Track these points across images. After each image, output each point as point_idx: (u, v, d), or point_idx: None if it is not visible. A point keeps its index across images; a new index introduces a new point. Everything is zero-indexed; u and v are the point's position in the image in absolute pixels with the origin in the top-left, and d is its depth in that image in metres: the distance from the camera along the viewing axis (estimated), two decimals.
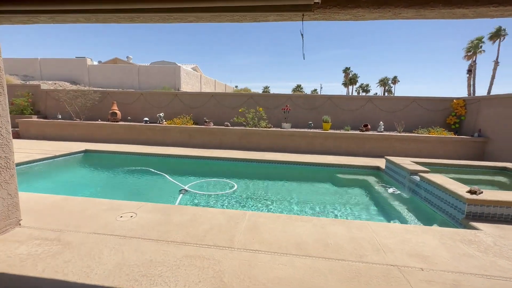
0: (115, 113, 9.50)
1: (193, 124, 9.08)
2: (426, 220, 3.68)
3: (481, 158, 7.24)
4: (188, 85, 20.77)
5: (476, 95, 31.50)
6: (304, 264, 2.15)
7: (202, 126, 8.65)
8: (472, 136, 7.48)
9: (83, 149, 7.28)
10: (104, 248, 2.30)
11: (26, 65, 20.04)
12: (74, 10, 1.97)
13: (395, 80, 60.91)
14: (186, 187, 4.81)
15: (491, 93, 33.50)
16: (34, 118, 9.81)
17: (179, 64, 21.20)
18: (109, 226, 2.71)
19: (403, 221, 3.69)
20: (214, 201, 4.32)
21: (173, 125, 8.68)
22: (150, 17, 2.05)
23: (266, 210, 4.07)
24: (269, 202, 4.37)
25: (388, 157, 5.70)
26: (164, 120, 9.28)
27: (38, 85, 11.16)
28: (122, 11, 1.95)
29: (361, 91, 65.17)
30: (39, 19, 2.16)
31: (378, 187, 5.15)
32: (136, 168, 6.14)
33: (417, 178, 4.48)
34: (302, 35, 1.91)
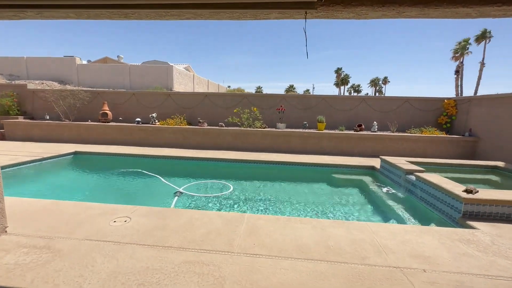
0: (106, 114, 9.27)
1: (187, 124, 8.94)
2: (423, 219, 3.70)
3: (472, 157, 7.39)
4: (181, 85, 20.52)
5: (464, 95, 32.36)
6: (306, 268, 2.10)
7: (196, 127, 8.52)
8: (463, 135, 7.63)
9: (72, 150, 7.05)
10: (97, 255, 2.20)
11: (12, 64, 19.36)
12: (64, 5, 1.86)
13: (385, 80, 61.95)
14: (181, 189, 4.71)
15: (478, 93, 34.48)
16: (21, 119, 9.46)
17: (171, 64, 20.92)
18: (102, 232, 2.60)
19: (401, 221, 3.70)
20: (211, 203, 4.24)
21: (166, 126, 8.53)
22: (146, 14, 1.96)
23: (264, 212, 4.01)
24: (266, 204, 4.32)
25: (383, 157, 5.73)
26: (157, 121, 9.11)
27: (25, 84, 10.78)
28: (115, 7, 1.85)
29: (352, 91, 65.98)
30: (26, 14, 2.04)
31: (374, 187, 5.16)
32: (128, 170, 5.98)
33: (412, 177, 4.51)
34: (305, 33, 1.86)
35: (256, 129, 8.28)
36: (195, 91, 23.07)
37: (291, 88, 60.22)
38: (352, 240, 2.58)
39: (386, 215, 4.00)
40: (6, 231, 2.53)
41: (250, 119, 8.71)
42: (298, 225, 2.89)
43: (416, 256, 2.32)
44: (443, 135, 7.74)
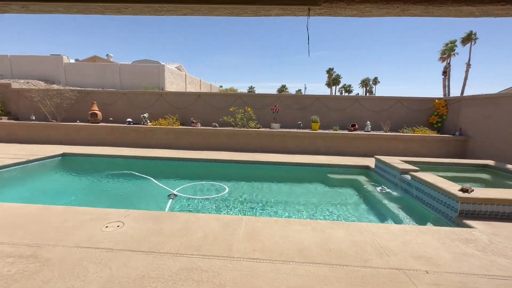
0: (96, 114, 9.00)
1: (180, 125, 8.78)
2: (420, 219, 3.72)
3: (463, 156, 7.54)
4: (173, 84, 20.22)
5: (451, 95, 33.23)
6: (308, 272, 2.05)
7: (189, 127, 8.38)
8: (453, 134, 7.78)
9: (60, 152, 6.79)
10: (89, 264, 2.08)
11: None
12: None
13: (375, 81, 63.01)
14: (175, 192, 4.59)
15: (464, 93, 35.49)
16: (4, 120, 9.06)
17: (163, 63, 20.59)
18: (94, 239, 2.47)
19: (399, 221, 3.70)
20: (206, 206, 4.14)
21: (158, 126, 8.35)
22: (140, 9, 1.86)
23: (261, 213, 3.95)
24: (263, 205, 4.25)
25: (377, 157, 5.76)
26: (148, 121, 8.91)
27: (9, 83, 10.35)
28: (108, 1, 1.75)
29: (343, 91, 66.80)
30: (10, 7, 1.90)
31: (370, 187, 5.18)
32: (120, 172, 5.80)
33: (408, 177, 4.54)
34: (308, 30, 1.80)
35: (250, 129, 8.21)
36: (187, 90, 22.79)
37: (283, 88, 60.46)
38: (352, 242, 2.54)
39: (383, 215, 4.00)
40: None
41: (244, 119, 8.63)
42: (298, 227, 2.84)
43: (418, 257, 2.31)
44: (434, 134, 7.87)
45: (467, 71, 37.07)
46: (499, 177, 4.99)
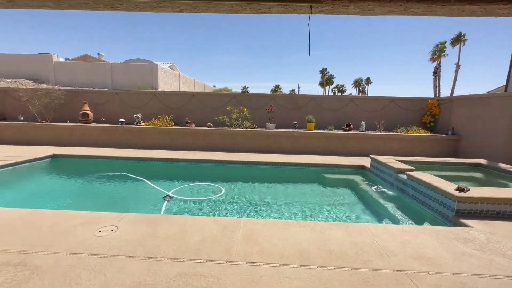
0: (87, 114, 8.78)
1: (174, 125, 8.65)
2: (417, 218, 3.74)
3: (455, 155, 7.66)
4: (166, 84, 19.97)
5: (441, 95, 33.91)
6: (310, 276, 2.01)
7: (184, 127, 8.26)
8: (446, 134, 7.90)
9: (50, 153, 6.59)
10: (82, 271, 1.99)
11: None
12: None
13: (368, 81, 63.77)
14: (170, 193, 4.49)
15: (454, 94, 36.26)
16: None
17: (156, 62, 20.31)
18: (87, 244, 2.37)
19: (396, 220, 3.71)
20: (203, 207, 4.06)
21: (152, 127, 8.20)
22: (135, 4, 1.78)
23: (259, 214, 3.89)
24: (260, 206, 4.20)
25: (373, 156, 5.79)
26: (142, 121, 8.74)
27: None
28: None
29: (337, 91, 67.38)
30: None
31: (366, 187, 5.19)
32: (113, 173, 5.66)
33: (403, 176, 4.57)
34: (309, 27, 1.76)
35: (245, 129, 8.15)
36: (181, 90, 22.55)
37: (277, 88, 60.56)
38: (352, 243, 2.52)
39: (381, 214, 4.01)
40: None
41: (240, 119, 8.56)
42: (297, 229, 2.80)
43: (418, 258, 2.30)
44: (427, 134, 7.98)
45: (456, 71, 37.89)
46: (491, 176, 5.08)
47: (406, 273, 2.08)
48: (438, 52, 39.40)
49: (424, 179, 3.92)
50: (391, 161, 5.24)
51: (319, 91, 67.33)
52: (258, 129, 8.22)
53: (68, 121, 8.89)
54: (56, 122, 8.71)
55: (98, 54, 24.28)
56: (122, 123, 8.57)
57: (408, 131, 8.21)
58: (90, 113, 8.84)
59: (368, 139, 7.88)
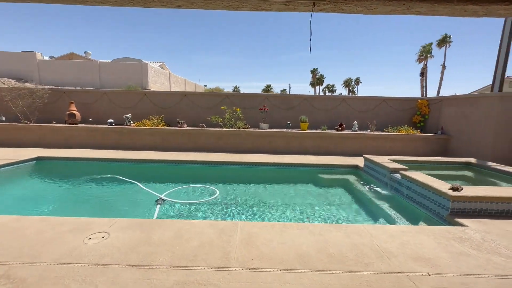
0: (74, 114, 8.47)
1: (165, 125, 8.47)
2: (412, 218, 3.76)
3: (444, 154, 7.83)
4: (157, 83, 19.60)
5: (428, 95, 34.81)
6: (312, 281, 1.96)
7: (175, 128, 8.09)
8: (436, 133, 8.07)
9: (34, 156, 6.31)
10: (71, 282, 1.87)
11: None
12: None
13: (357, 81, 64.81)
14: (162, 196, 4.36)
15: (440, 94, 37.30)
16: None
17: (145, 62, 19.90)
18: (76, 252, 2.25)
19: (391, 220, 3.72)
20: (197, 210, 3.96)
21: (142, 127, 7.99)
22: None
23: (255, 216, 3.83)
24: (256, 208, 4.14)
25: (367, 156, 5.83)
26: (132, 122, 8.51)
27: None
28: None
29: (327, 91, 68.17)
30: None
31: (360, 187, 5.21)
32: (102, 176, 5.46)
33: (398, 176, 4.60)
34: (310, 26, 1.70)
35: (239, 129, 8.06)
36: (172, 90, 22.20)
37: (268, 87, 60.65)
38: (352, 245, 2.49)
39: (376, 215, 4.02)
40: None
41: (233, 119, 8.47)
42: (295, 231, 2.76)
43: (418, 259, 2.29)
44: (418, 133, 8.12)
45: (442, 72, 38.97)
46: (481, 174, 5.20)
47: (408, 275, 2.06)
48: (425, 53, 40.44)
49: (419, 178, 3.96)
50: (385, 160, 5.29)
51: (309, 91, 67.92)
52: (252, 129, 8.15)
53: (54, 122, 8.55)
54: (41, 122, 8.36)
55: (85, 52, 23.60)
56: (111, 123, 8.32)
57: (399, 130, 8.33)
58: (77, 113, 8.54)
59: (361, 139, 7.95)
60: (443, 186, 3.53)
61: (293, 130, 8.18)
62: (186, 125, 8.36)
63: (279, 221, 3.71)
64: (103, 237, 2.53)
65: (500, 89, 7.20)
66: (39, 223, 2.80)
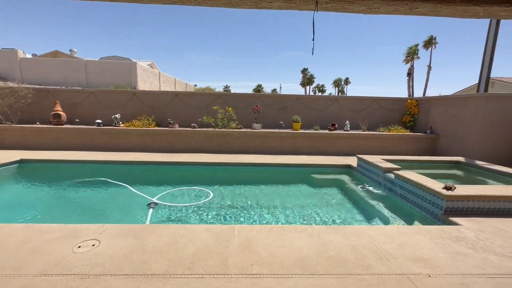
0: (59, 115, 8.13)
1: (156, 126, 8.27)
2: (406, 217, 3.80)
3: (434, 153, 8.01)
4: (146, 83, 19.19)
5: (415, 95, 35.71)
6: (314, 286, 1.92)
7: (166, 128, 7.92)
8: (425, 133, 8.24)
9: (17, 158, 6.01)
10: None
11: None
12: None
13: (347, 81, 65.74)
14: (154, 200, 4.23)
15: (426, 94, 38.35)
16: None
17: (134, 60, 19.44)
18: (64, 262, 2.12)
19: (387, 220, 3.74)
20: (191, 214, 3.86)
21: (132, 128, 7.77)
22: None
23: (251, 218, 3.76)
24: (251, 210, 4.07)
25: (360, 156, 5.87)
26: (121, 122, 8.26)
27: None
28: None
29: (317, 91, 68.83)
30: None
31: (354, 187, 5.24)
32: (90, 179, 5.25)
33: (391, 175, 4.65)
34: (313, 26, 1.65)
35: (231, 130, 7.97)
36: (162, 89, 21.80)
37: (259, 87, 60.68)
38: (351, 247, 2.47)
39: (371, 214, 4.04)
40: None
41: (225, 119, 8.37)
42: (294, 234, 2.71)
43: (416, 260, 2.29)
44: (408, 133, 8.27)
45: (428, 73, 40.11)
46: (470, 173, 5.33)
47: (408, 277, 2.05)
48: (411, 54, 41.51)
49: (412, 178, 4.00)
50: (378, 160, 5.33)
51: (300, 90, 68.42)
52: (245, 130, 8.08)
53: (38, 123, 8.19)
54: (24, 123, 7.99)
55: (70, 50, 22.85)
56: (99, 124, 8.04)
57: (390, 130, 8.47)
58: (62, 113, 8.21)
59: (353, 138, 8.02)
60: (437, 186, 3.57)
61: (286, 130, 8.16)
62: (177, 126, 8.19)
63: (276, 223, 3.66)
64: (93, 245, 2.40)
65: (486, 89, 7.42)
66: (23, 231, 2.63)
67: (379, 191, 4.84)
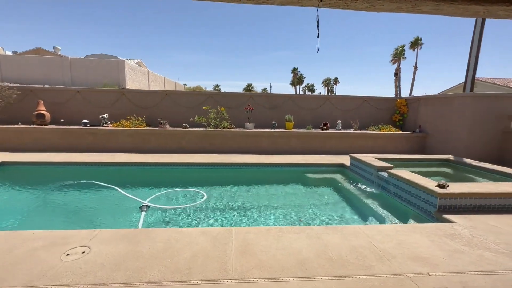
0: (42, 115, 7.78)
1: (146, 126, 8.06)
2: (401, 215, 3.84)
3: (423, 152, 8.20)
4: (134, 82, 18.73)
5: (402, 95, 36.63)
6: None
7: (157, 128, 7.73)
8: (414, 132, 8.42)
9: None
10: None
11: None
12: None
13: (336, 81, 66.68)
14: (146, 202, 4.09)
15: (412, 94, 39.41)
16: None
17: (122, 59, 18.93)
18: (52, 272, 1.99)
19: (382, 219, 3.78)
20: (185, 216, 3.75)
21: (121, 128, 7.54)
22: None
23: (246, 219, 3.70)
24: (247, 210, 4.01)
25: (353, 155, 5.91)
26: (109, 122, 8.00)
27: None
28: None
29: (307, 90, 69.49)
30: None
31: (348, 186, 5.27)
32: (78, 182, 5.03)
33: (384, 174, 4.70)
34: (318, 24, 1.60)
35: (224, 129, 7.87)
36: (151, 88, 21.34)
37: (250, 86, 60.54)
38: (351, 248, 2.45)
39: (366, 213, 4.06)
40: None
41: (217, 119, 8.26)
42: (292, 235, 2.67)
43: (415, 259, 2.30)
44: (397, 131, 8.43)
45: (414, 73, 41.18)
46: (459, 170, 5.47)
47: (409, 276, 2.05)
48: (398, 55, 42.51)
49: (405, 176, 4.05)
50: (371, 159, 5.38)
51: (290, 90, 68.79)
52: (237, 129, 8.00)
53: (20, 123, 7.81)
54: (4, 124, 7.59)
55: (54, 47, 22.02)
56: (86, 124, 7.76)
57: (380, 129, 8.60)
58: (46, 113, 7.85)
59: (345, 137, 8.09)
60: (430, 184, 3.63)
61: (279, 130, 8.14)
62: (168, 126, 8.02)
63: (273, 224, 3.62)
64: (83, 252, 2.27)
65: (471, 89, 7.65)
66: (5, 240, 2.47)
67: (373, 190, 4.89)
